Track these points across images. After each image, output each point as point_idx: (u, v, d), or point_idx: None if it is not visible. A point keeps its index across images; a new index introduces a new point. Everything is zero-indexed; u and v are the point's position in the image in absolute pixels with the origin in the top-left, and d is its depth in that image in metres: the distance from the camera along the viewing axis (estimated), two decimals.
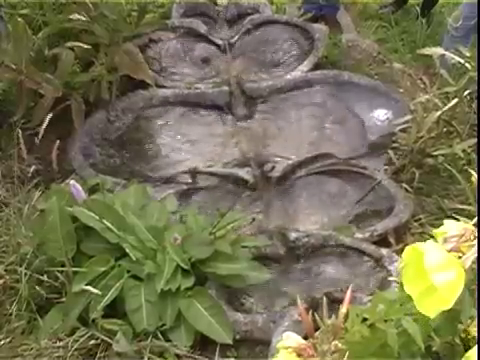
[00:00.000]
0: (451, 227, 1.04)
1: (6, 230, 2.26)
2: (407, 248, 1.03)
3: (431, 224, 2.44)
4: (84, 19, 2.80)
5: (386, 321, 1.13)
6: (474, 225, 1.04)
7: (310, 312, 1.17)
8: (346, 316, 1.13)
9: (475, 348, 1.00)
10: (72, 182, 2.16)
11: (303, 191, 2.67)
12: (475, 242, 1.01)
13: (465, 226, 1.03)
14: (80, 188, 2.15)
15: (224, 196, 2.62)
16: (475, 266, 1.00)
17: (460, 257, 1.00)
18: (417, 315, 1.05)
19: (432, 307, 0.99)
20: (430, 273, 0.95)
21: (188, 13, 3.67)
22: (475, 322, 1.08)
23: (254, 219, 2.45)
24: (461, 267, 0.98)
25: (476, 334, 1.07)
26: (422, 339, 1.07)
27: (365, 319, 1.14)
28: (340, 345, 1.05)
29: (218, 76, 3.28)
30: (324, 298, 1.31)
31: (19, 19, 2.68)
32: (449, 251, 1.00)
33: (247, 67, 3.37)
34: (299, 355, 1.07)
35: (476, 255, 0.99)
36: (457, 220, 1.08)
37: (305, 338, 1.12)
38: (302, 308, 1.16)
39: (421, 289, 0.99)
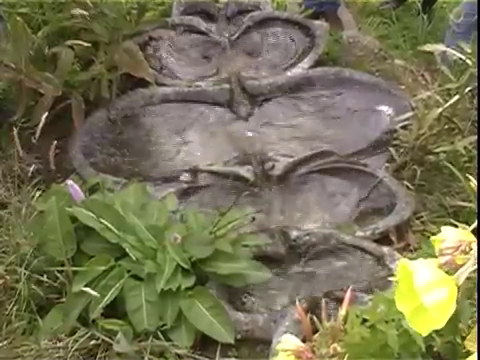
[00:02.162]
0: (449, 234, 1.01)
1: (6, 230, 2.25)
2: (399, 264, 1.01)
3: (433, 222, 2.45)
4: (86, 13, 2.78)
5: (387, 322, 1.12)
6: (473, 232, 1.02)
7: (309, 313, 1.16)
8: (345, 318, 1.12)
9: (475, 355, 0.99)
10: (70, 182, 2.15)
11: (304, 189, 2.66)
12: (471, 254, 0.98)
13: (462, 236, 1.01)
14: (78, 188, 2.14)
15: (225, 195, 2.61)
16: (474, 275, 0.98)
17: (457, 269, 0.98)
18: None
19: (424, 326, 0.97)
20: (420, 293, 0.93)
21: (188, 11, 3.64)
22: (474, 329, 1.07)
23: (254, 218, 2.44)
24: (453, 284, 0.95)
25: (476, 338, 1.05)
26: (423, 339, 1.06)
27: (365, 320, 1.13)
28: (339, 349, 1.04)
29: (219, 74, 3.27)
30: (323, 300, 1.30)
31: (18, 18, 2.66)
32: (444, 264, 0.98)
33: (248, 64, 3.36)
34: (297, 357, 1.06)
35: (476, 265, 0.96)
36: (457, 221, 1.06)
37: (304, 340, 1.11)
38: (301, 310, 1.15)
39: (412, 308, 0.97)
